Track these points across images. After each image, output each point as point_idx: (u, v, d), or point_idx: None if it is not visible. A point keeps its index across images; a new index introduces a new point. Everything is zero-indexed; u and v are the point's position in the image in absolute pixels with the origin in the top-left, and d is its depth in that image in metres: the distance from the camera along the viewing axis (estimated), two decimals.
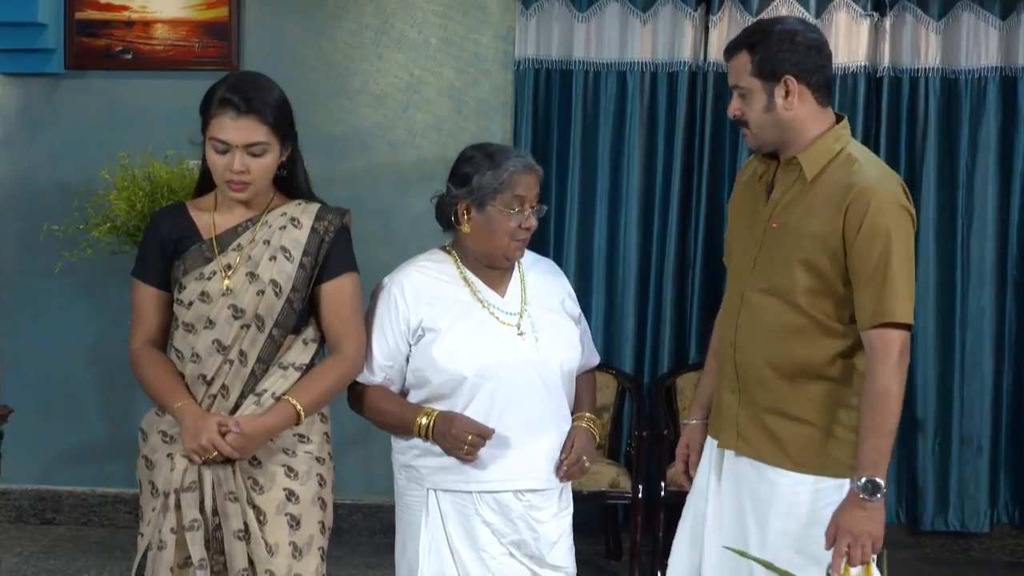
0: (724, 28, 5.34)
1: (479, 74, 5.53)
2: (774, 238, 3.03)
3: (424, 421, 3.12)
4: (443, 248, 3.28)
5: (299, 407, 3.05)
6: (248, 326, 3.06)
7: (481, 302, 3.19)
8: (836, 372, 2.97)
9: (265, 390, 3.06)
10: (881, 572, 2.62)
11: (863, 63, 5.32)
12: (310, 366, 3.13)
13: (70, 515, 5.74)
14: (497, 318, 3.18)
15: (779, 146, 3.05)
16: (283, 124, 3.10)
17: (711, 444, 3.19)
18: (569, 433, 3.21)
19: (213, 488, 3.03)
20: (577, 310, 3.34)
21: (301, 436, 3.11)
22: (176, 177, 4.92)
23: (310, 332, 3.15)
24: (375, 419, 3.24)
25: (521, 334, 3.17)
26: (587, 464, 3.19)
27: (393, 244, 5.32)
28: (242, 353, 3.06)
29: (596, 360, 3.42)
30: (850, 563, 2.81)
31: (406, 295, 3.19)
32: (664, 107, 5.44)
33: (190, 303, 3.08)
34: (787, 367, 2.99)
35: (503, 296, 3.21)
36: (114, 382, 5.61)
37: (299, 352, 3.12)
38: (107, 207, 4.97)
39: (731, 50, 3.08)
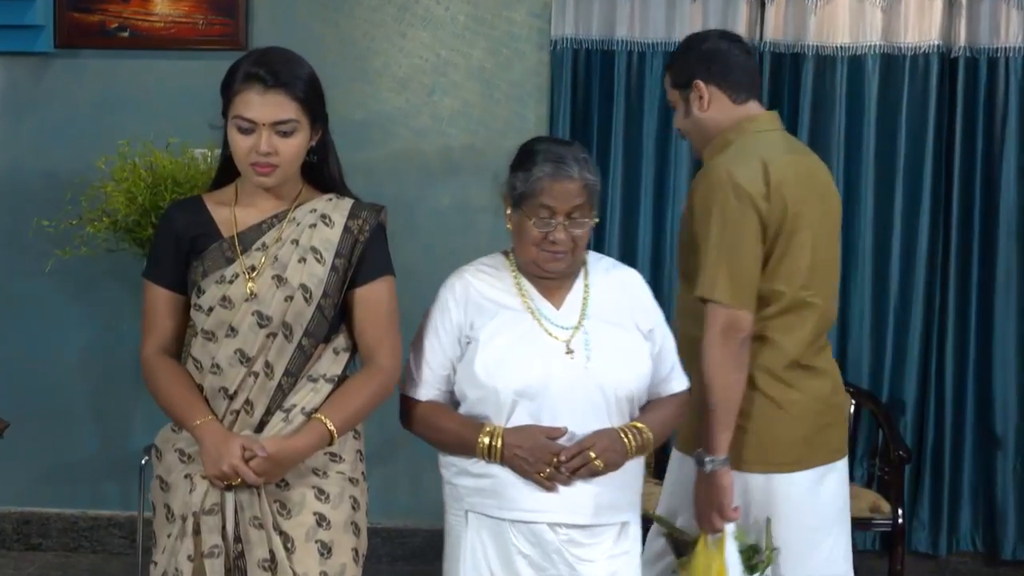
0: (782, 4, 5.38)
1: (512, 55, 5.54)
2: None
3: (486, 441, 3.13)
4: (506, 251, 3.32)
5: (332, 427, 3.07)
6: (275, 335, 3.08)
7: (532, 312, 3.21)
8: None
9: (294, 406, 3.08)
10: (764, 540, 3.44)
11: (936, 42, 5.34)
12: (342, 379, 3.15)
13: (58, 540, 5.76)
14: (547, 331, 3.18)
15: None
16: (314, 101, 3.12)
17: None
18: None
19: (236, 512, 3.05)
20: (653, 325, 3.29)
21: (333, 455, 3.14)
22: (180, 167, 4.94)
23: (341, 341, 3.18)
24: (431, 438, 3.26)
25: (570, 352, 3.16)
26: (597, 463, 3.10)
27: (416, 241, 5.37)
28: (268, 365, 3.08)
29: (679, 385, 3.35)
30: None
31: (457, 298, 3.23)
32: None
33: (210, 309, 3.10)
34: (687, 348, 3.41)
35: (559, 307, 3.22)
36: (108, 393, 5.64)
37: (330, 363, 3.14)
38: (103, 200, 4.98)
39: (664, 71, 3.69)
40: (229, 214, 3.17)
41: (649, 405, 3.27)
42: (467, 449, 3.16)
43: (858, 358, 5.47)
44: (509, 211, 3.21)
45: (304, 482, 3.10)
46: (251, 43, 5.42)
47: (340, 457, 3.15)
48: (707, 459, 3.41)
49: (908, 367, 5.47)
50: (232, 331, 3.08)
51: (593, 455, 3.09)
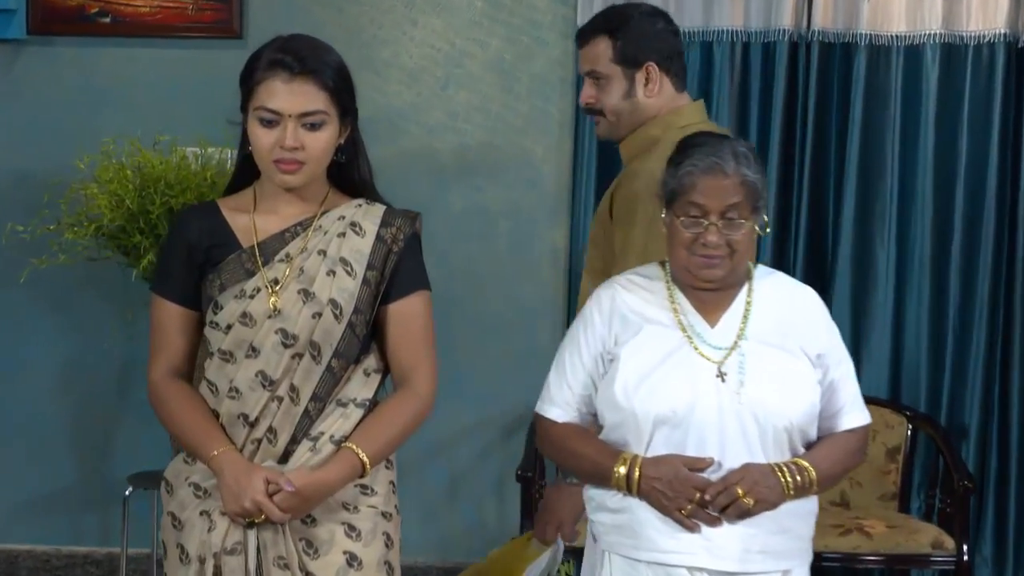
0: None
1: (533, 44, 5.53)
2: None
3: (623, 470, 3.06)
4: (663, 261, 3.24)
5: (364, 457, 3.02)
6: (301, 355, 3.03)
7: (683, 328, 3.13)
8: None
9: (322, 433, 3.04)
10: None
11: (1002, 31, 5.31)
12: (373, 403, 3.11)
13: None
14: (699, 350, 3.10)
15: (629, 134, 3.68)
16: (344, 93, 3.08)
17: None
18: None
19: (258, 552, 3.00)
20: (824, 350, 3.17)
21: (364, 487, 3.09)
22: (171, 168, 4.90)
23: (372, 361, 3.14)
24: (567, 464, 3.26)
25: (722, 375, 3.07)
26: (747, 501, 2.99)
27: (428, 249, 5.16)
28: (293, 388, 3.03)
29: (857, 420, 3.21)
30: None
31: (603, 310, 3.18)
32: (758, 84, 5.43)
33: (228, 326, 3.05)
34: None
35: (714, 324, 3.13)
36: (87, 416, 5.61)
37: (360, 386, 3.10)
38: (84, 204, 4.95)
39: (586, 35, 3.70)
40: (248, 221, 3.13)
41: (819, 442, 3.16)
42: (603, 479, 3.09)
43: (915, 378, 5.44)
44: (663, 213, 3.14)
45: (333, 518, 3.05)
46: (246, 30, 5.42)
47: (372, 490, 3.10)
48: (568, 472, 3.42)
49: (970, 388, 5.43)
50: (253, 351, 3.04)
51: (741, 491, 2.99)
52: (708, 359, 3.09)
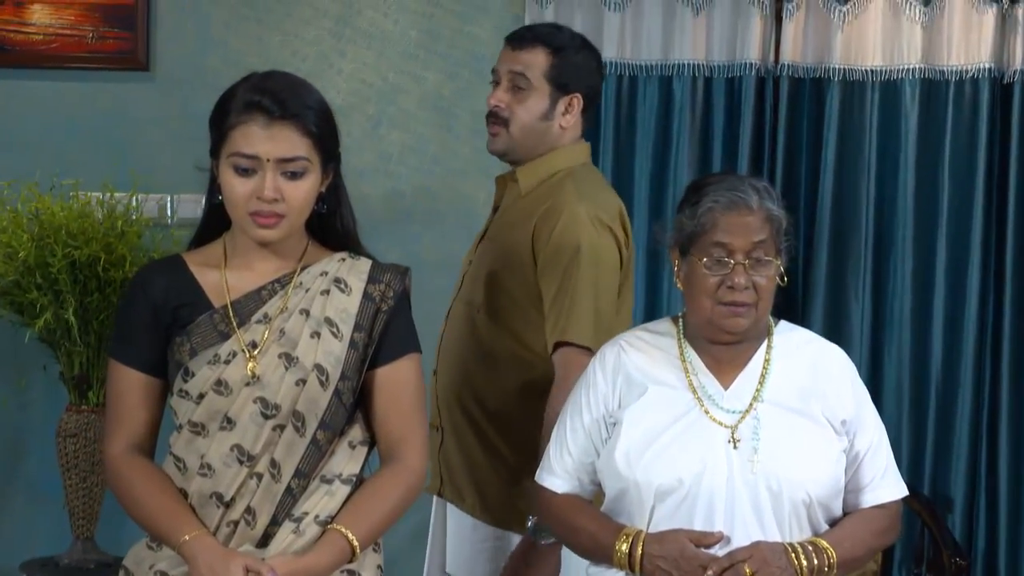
0: (801, 19, 5.44)
1: (475, 79, 5.54)
2: (479, 255, 3.99)
3: (625, 548, 3.12)
4: (675, 316, 3.32)
5: (353, 540, 3.05)
6: (283, 427, 3.07)
7: (694, 390, 3.20)
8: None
9: (306, 513, 3.07)
10: None
11: (986, 65, 5.37)
12: (360, 479, 3.15)
13: None
14: (709, 414, 3.17)
15: (526, 157, 3.94)
16: (328, 138, 3.15)
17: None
18: None
19: None
20: (850, 416, 3.22)
21: (351, 573, 3.11)
22: (74, 216, 4.86)
23: (357, 432, 3.18)
24: (566, 539, 3.29)
25: (734, 441, 3.14)
26: None
27: None
28: (274, 464, 3.07)
29: (889, 494, 3.28)
30: None
31: (607, 369, 3.25)
32: (721, 123, 5.51)
33: (200, 395, 3.09)
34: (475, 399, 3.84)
35: (728, 385, 3.20)
36: None
37: (345, 460, 3.14)
38: None
39: (524, 40, 3.94)
40: (219, 278, 3.16)
41: (843, 518, 3.22)
42: (604, 556, 3.17)
43: (895, 445, 5.36)
44: (676, 263, 3.21)
45: None
46: (154, 62, 5.38)
47: (358, 575, 3.12)
48: (542, 530, 3.54)
49: (955, 455, 5.48)
50: (228, 422, 3.07)
51: (749, 571, 3.05)
52: (720, 424, 3.15)
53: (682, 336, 3.26)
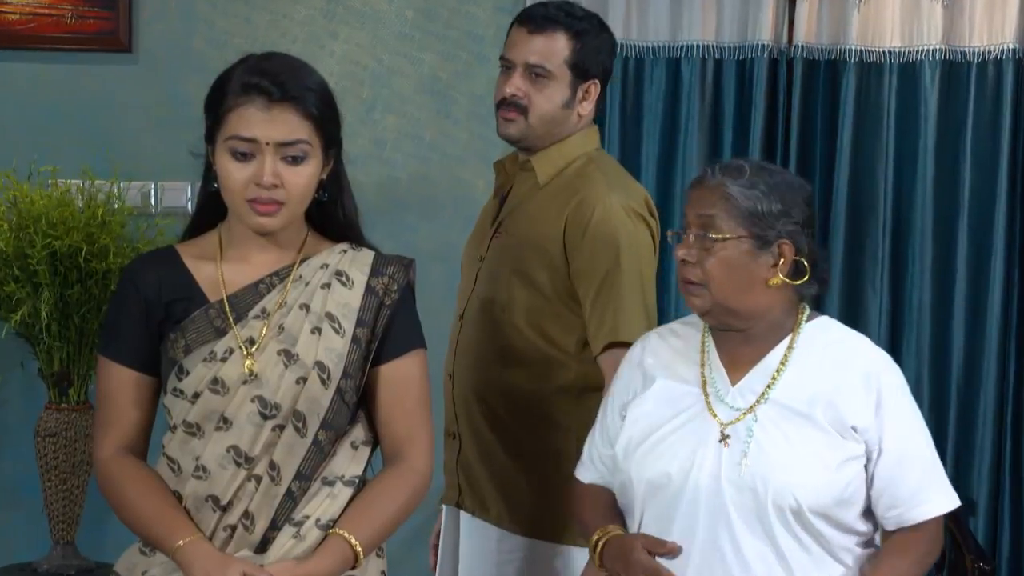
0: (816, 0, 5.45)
1: (473, 61, 5.57)
2: (496, 250, 3.90)
3: (595, 538, 3.18)
4: None
5: (357, 545, 3.05)
6: (282, 427, 3.07)
7: (703, 384, 3.21)
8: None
9: (307, 517, 3.06)
10: None
11: (1010, 45, 5.35)
12: (362, 481, 3.15)
13: None
14: (711, 410, 3.17)
15: (540, 145, 3.89)
16: (329, 121, 3.13)
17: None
18: None
19: None
20: (870, 424, 3.13)
21: None
22: (53, 205, 4.86)
23: (359, 432, 3.18)
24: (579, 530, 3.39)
25: (724, 439, 3.13)
26: None
27: None
28: (273, 466, 3.06)
29: (929, 510, 3.20)
30: None
31: (632, 360, 3.29)
32: (732, 107, 5.51)
33: (196, 395, 3.08)
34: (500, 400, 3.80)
35: (737, 381, 3.18)
36: None
37: (347, 461, 3.14)
38: None
39: (545, 25, 3.83)
40: (214, 271, 3.16)
41: (883, 551, 3.17)
42: (591, 549, 3.23)
43: None
44: None
45: None
46: (137, 43, 5.38)
47: None
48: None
49: (978, 454, 5.48)
50: (225, 423, 3.07)
51: None
52: (717, 421, 3.14)
53: (707, 329, 3.25)
